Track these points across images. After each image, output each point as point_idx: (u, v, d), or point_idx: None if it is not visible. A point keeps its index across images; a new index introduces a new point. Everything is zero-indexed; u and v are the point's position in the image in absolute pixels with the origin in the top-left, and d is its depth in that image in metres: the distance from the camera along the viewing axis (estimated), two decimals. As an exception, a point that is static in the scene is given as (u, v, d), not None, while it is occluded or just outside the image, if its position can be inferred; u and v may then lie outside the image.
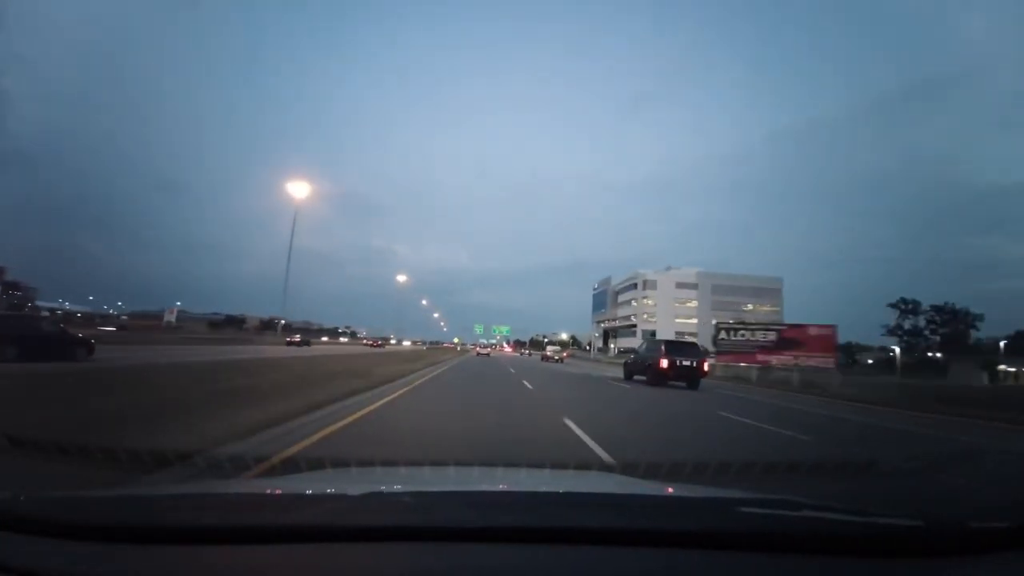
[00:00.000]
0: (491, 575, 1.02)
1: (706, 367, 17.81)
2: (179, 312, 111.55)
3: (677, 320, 77.41)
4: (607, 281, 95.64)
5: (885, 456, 6.43)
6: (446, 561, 1.03)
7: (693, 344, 19.82)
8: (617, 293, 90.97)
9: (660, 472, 3.45)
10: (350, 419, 6.44)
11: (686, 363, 16.24)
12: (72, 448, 2.99)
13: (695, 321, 77.35)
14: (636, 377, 18.59)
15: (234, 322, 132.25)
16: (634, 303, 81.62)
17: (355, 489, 1.54)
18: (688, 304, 78.09)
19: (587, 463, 4.28)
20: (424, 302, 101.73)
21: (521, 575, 1.02)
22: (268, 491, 1.72)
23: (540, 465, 3.20)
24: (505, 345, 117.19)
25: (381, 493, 1.52)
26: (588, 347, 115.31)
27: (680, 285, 78.03)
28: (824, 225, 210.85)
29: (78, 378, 4.88)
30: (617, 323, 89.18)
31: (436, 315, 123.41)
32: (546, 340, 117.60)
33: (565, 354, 46.32)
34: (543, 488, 2.01)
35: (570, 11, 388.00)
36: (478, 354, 54.30)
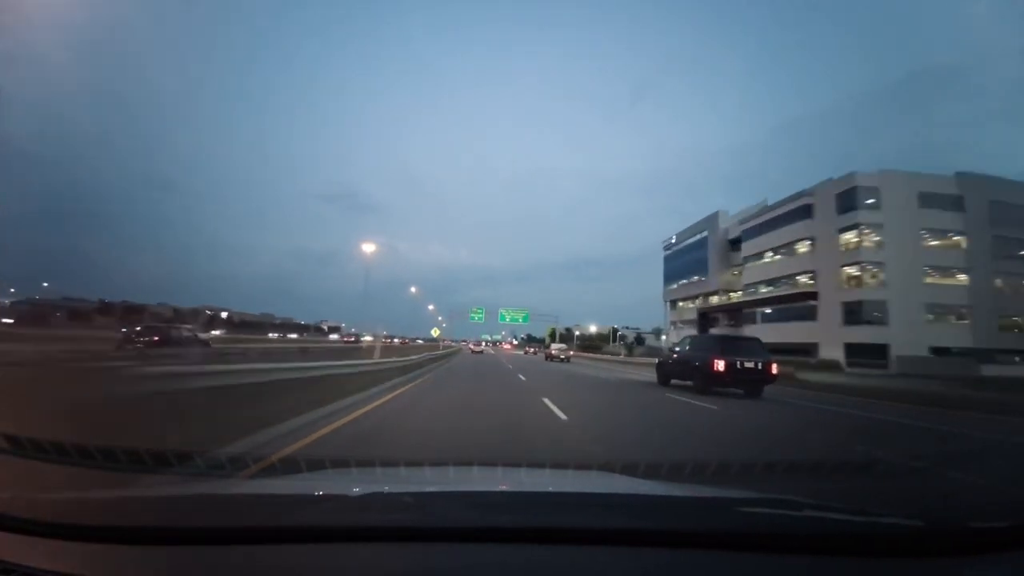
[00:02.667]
0: (491, 575, 1.02)
1: (774, 370, 12.53)
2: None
3: (929, 280, 34.34)
4: (708, 224, 52.60)
5: None
6: (446, 561, 1.03)
7: (755, 340, 14.34)
8: (732, 243, 48.13)
9: (660, 472, 3.45)
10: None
11: (749, 365, 12.26)
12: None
13: (964, 280, 34.44)
14: (675, 382, 14.59)
15: (110, 311, 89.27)
16: (802, 248, 38.75)
17: (355, 489, 1.55)
18: (937, 242, 35.08)
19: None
20: (413, 289, 60.47)
21: (521, 575, 1.02)
22: (268, 491, 1.67)
23: (540, 465, 3.25)
24: (513, 340, 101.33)
25: (381, 493, 1.51)
26: (630, 341, 74.56)
27: (926, 200, 34.73)
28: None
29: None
30: (742, 294, 46.46)
31: (431, 307, 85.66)
32: (577, 332, 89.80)
33: (571, 352, 40.11)
34: (543, 488, 1.98)
35: (571, 7, 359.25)
36: (472, 352, 51.31)
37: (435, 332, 49.68)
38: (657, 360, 17.27)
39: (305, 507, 1.35)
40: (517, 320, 63.38)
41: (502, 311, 62.58)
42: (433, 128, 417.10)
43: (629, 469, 3.22)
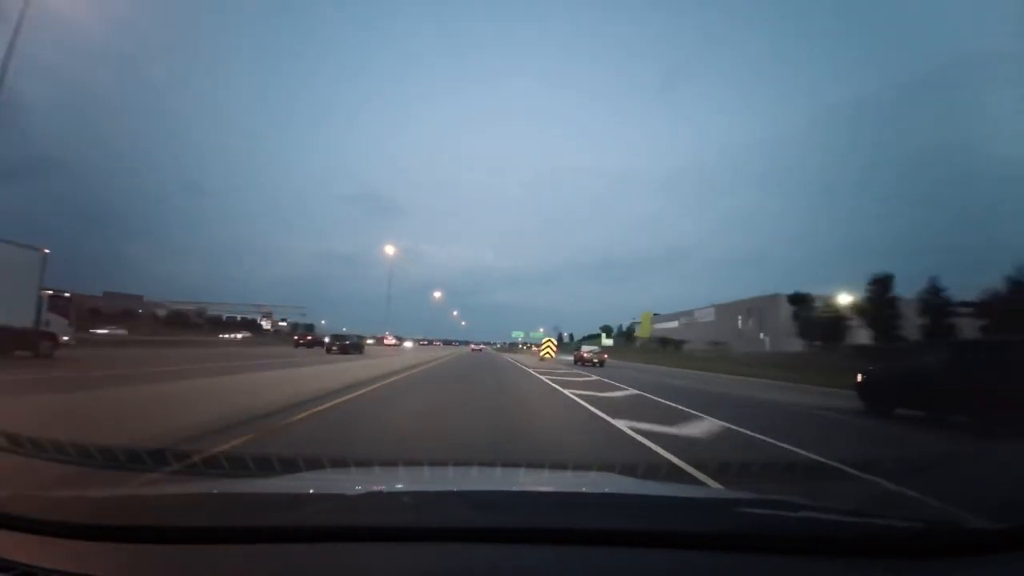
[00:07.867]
0: (491, 575, 1.02)
1: None
2: None
3: None
4: None
5: None
6: (445, 561, 1.03)
7: None
8: None
9: (659, 472, 3.46)
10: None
11: None
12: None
13: None
14: (901, 411, 9.45)
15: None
16: None
17: (354, 489, 1.56)
18: None
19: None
20: (397, 256, 49.13)
21: (521, 575, 1.03)
22: (267, 490, 1.68)
23: (539, 465, 3.22)
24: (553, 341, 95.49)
25: (380, 493, 1.52)
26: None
27: None
28: (857, 212, 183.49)
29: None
30: None
31: (436, 294, 75.16)
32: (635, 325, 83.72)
33: (605, 355, 34.03)
34: (543, 488, 1.98)
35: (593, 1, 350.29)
36: (472, 351, 50.39)
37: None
38: (860, 375, 10.91)
39: (304, 506, 1.35)
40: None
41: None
42: (455, 131, 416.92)
43: (629, 470, 3.26)
